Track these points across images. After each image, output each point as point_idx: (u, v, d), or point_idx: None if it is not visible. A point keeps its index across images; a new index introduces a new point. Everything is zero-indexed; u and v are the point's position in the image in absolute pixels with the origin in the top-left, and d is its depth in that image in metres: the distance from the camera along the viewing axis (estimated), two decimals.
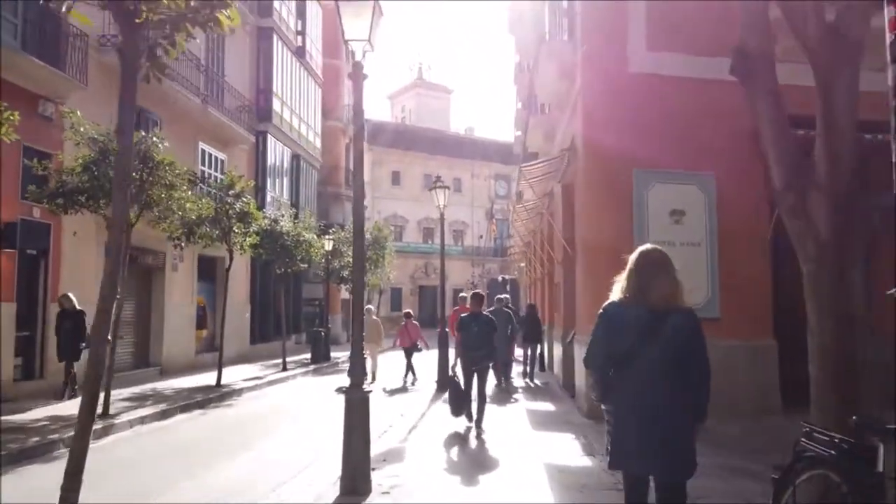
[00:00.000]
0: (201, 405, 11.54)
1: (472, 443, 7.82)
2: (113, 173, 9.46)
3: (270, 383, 15.05)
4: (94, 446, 8.06)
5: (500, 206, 53.00)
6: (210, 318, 19.29)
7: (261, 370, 17.25)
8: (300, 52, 25.05)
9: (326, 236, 21.93)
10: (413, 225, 51.72)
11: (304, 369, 18.04)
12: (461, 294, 13.46)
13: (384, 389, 13.97)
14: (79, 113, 9.78)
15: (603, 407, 3.35)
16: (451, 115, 70.85)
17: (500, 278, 41.53)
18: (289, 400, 12.93)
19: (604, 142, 9.38)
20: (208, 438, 8.90)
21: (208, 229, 13.15)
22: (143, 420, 9.80)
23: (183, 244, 13.43)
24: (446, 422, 9.05)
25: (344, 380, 17.68)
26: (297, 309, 26.60)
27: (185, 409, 11.04)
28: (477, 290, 9.59)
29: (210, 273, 19.10)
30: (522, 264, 34.74)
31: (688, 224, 9.18)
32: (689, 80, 9.25)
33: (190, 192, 11.38)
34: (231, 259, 14.22)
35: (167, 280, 16.26)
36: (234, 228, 13.48)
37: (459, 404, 8.43)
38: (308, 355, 20.65)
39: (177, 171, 10.18)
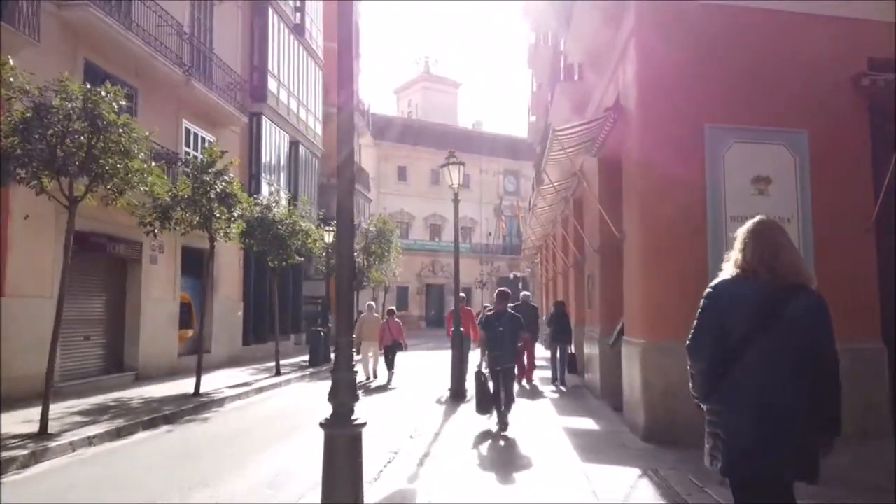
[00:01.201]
0: (170, 419, 9.65)
1: (508, 487, 5.85)
2: (51, 135, 7.71)
3: (260, 390, 13.15)
4: (8, 480, 6.33)
5: (510, 203, 51.59)
6: (197, 317, 17.37)
7: (251, 375, 15.36)
8: (299, 30, 23.17)
9: (327, 227, 20.05)
10: (420, 222, 50.17)
11: (300, 373, 16.15)
12: (461, 294, 12.78)
13: (383, 387, 12.15)
14: (11, 62, 7.90)
15: (704, 407, 2.77)
16: (458, 109, 69.02)
17: (511, 275, 39.64)
18: (278, 412, 11.02)
19: (665, 91, 7.44)
20: (164, 467, 7.00)
21: (183, 212, 11.28)
22: (90, 441, 7.90)
23: (157, 231, 11.59)
24: (466, 444, 7.15)
25: None
26: (297, 307, 24.71)
27: (150, 424, 9.16)
28: (503, 288, 9.08)
29: (197, 267, 17.18)
30: (537, 260, 32.82)
31: (775, 195, 7.22)
32: (778, 14, 7.30)
33: (154, 164, 9.49)
34: (212, 248, 12.33)
35: (144, 273, 14.39)
36: (215, 212, 11.60)
37: (486, 404, 8.21)
38: (308, 357, 18.77)
39: (133, 135, 8.26)
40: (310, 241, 15.87)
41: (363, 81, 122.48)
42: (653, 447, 6.85)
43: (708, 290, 2.75)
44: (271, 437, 8.61)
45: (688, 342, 2.77)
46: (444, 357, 12.08)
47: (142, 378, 13.92)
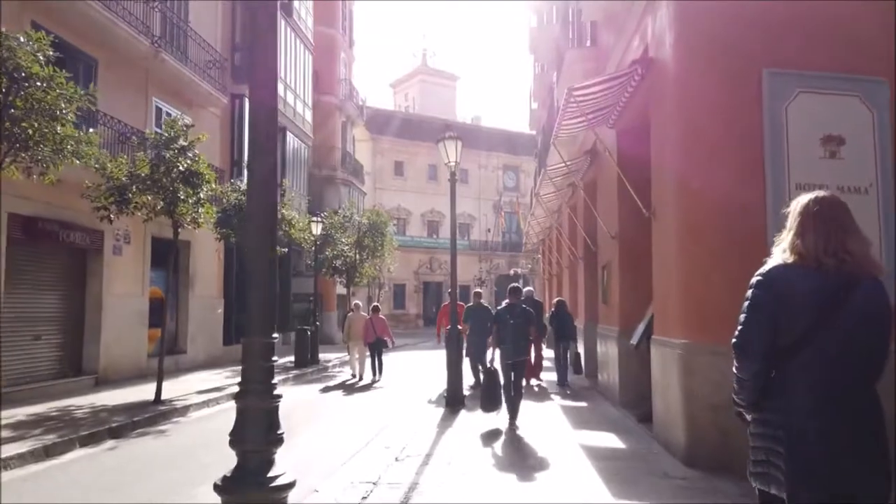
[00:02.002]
0: (117, 433, 8.21)
1: None
2: None
3: (233, 396, 11.69)
4: None
5: (509, 199, 50.38)
6: (171, 315, 15.91)
7: (227, 378, 13.91)
8: (286, 9, 21.70)
9: (314, 219, 18.63)
10: (417, 218, 48.90)
11: (282, 376, 14.70)
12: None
13: (369, 387, 10.78)
14: None
15: (750, 416, 2.35)
16: (456, 103, 67.76)
17: (511, 272, 38.26)
18: None
19: (711, 31, 6.00)
20: (88, 497, 5.57)
21: (142, 194, 9.85)
22: (6, 464, 6.47)
23: (112, 216, 10.17)
24: (465, 469, 5.74)
25: (333, 385, 14.38)
26: (286, 305, 23.28)
27: (90, 440, 7.73)
28: (514, 284, 8.90)
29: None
30: (538, 255, 31.41)
31: (849, 159, 5.79)
32: None
33: (92, 131, 8.06)
34: (176, 235, 10.89)
35: (106, 265, 12.92)
36: (179, 194, 10.16)
37: (493, 401, 8.02)
38: (294, 357, 17.34)
39: (58, 91, 6.82)
40: (293, 230, 14.42)
41: (358, 72, 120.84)
42: (701, 475, 5.43)
43: (757, 277, 2.33)
44: (231, 453, 7.15)
45: (735, 339, 2.35)
46: (441, 357, 10.70)
47: (102, 382, 12.48)
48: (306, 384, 14.34)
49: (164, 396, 10.35)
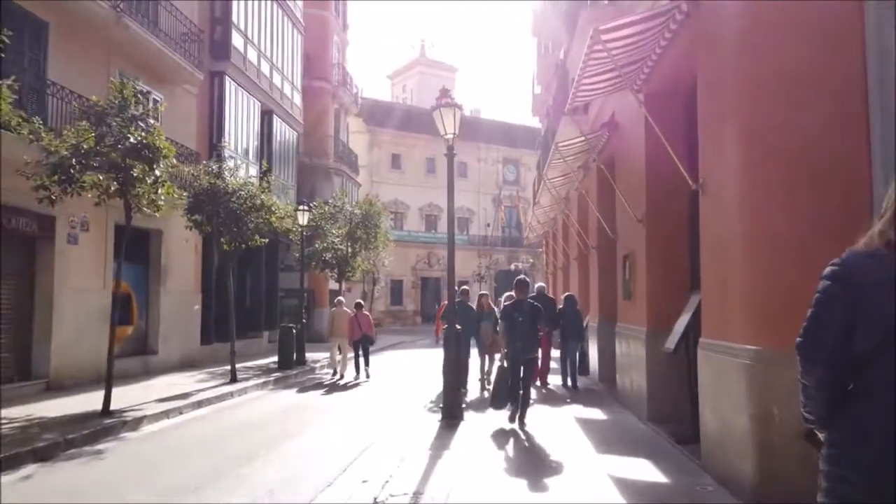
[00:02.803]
0: (45, 455, 6.77)
1: None
2: None
3: (199, 404, 10.26)
4: None
5: (509, 193, 49.12)
6: (139, 312, 14.47)
7: (199, 382, 12.49)
8: None
9: (301, 207, 17.18)
10: (415, 212, 47.57)
11: (262, 379, 13.29)
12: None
13: (353, 386, 9.37)
14: None
15: (822, 435, 1.95)
16: (455, 95, 66.16)
17: (511, 266, 36.88)
18: (203, 440, 8.12)
19: None
20: None
21: (84, 169, 8.40)
22: None
23: (54, 197, 8.70)
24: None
25: (316, 388, 12.95)
26: (273, 300, 21.81)
27: (8, 465, 6.28)
28: (521, 277, 8.52)
29: (141, 251, 14.34)
30: (540, 249, 29.98)
31: None
32: None
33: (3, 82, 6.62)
34: (129, 219, 9.43)
35: (59, 255, 11.46)
36: (133, 171, 8.70)
37: (502, 398, 7.94)
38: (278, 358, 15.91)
39: None
40: (273, 218, 12.96)
41: (355, 63, 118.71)
42: None
43: (832, 267, 1.88)
44: (174, 485, 5.72)
45: (799, 338, 1.94)
46: (437, 356, 9.30)
47: (55, 387, 11.04)
48: (286, 389, 12.90)
49: (118, 405, 8.94)
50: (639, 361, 8.16)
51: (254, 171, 18.63)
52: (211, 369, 14.64)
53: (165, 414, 9.30)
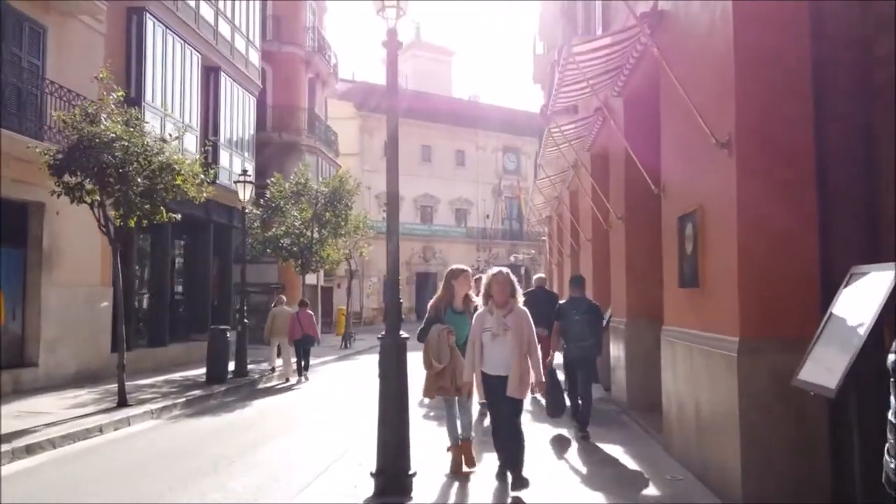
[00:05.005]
0: None
1: None
2: None
3: (26, 451, 6.75)
4: None
5: (509, 183, 45.91)
6: (15, 310, 10.96)
7: (74, 407, 9.04)
8: None
9: (244, 177, 13.71)
10: (409, 203, 44.27)
11: (171, 400, 9.82)
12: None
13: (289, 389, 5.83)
14: None
15: None
16: (452, 80, 62.65)
17: (511, 258, 33.49)
18: None
19: None
20: None
21: None
22: None
23: None
24: None
25: (241, 407, 9.42)
26: (225, 296, 18.31)
27: None
28: (577, 273, 8.36)
29: (16, 232, 10.86)
30: (543, 238, 26.50)
31: None
32: None
33: None
34: None
35: None
36: None
37: (560, 404, 7.23)
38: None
39: None
40: (179, 179, 9.43)
41: (345, 43, 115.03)
42: None
43: None
44: None
45: None
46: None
47: None
48: (199, 415, 9.38)
49: None
50: (717, 398, 4.64)
51: (193, 140, 15.14)
52: (112, 385, 11.12)
53: None
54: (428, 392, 5.26)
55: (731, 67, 4.37)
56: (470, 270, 5.84)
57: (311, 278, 24.54)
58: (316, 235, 17.54)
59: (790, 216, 4.27)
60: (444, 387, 5.12)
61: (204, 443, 7.49)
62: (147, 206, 9.23)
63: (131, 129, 9.06)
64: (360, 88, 40.84)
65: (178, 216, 10.44)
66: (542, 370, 4.87)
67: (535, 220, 22.14)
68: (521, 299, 4.94)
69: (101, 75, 9.07)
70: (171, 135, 9.90)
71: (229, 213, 17.53)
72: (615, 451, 6.32)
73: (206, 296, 17.34)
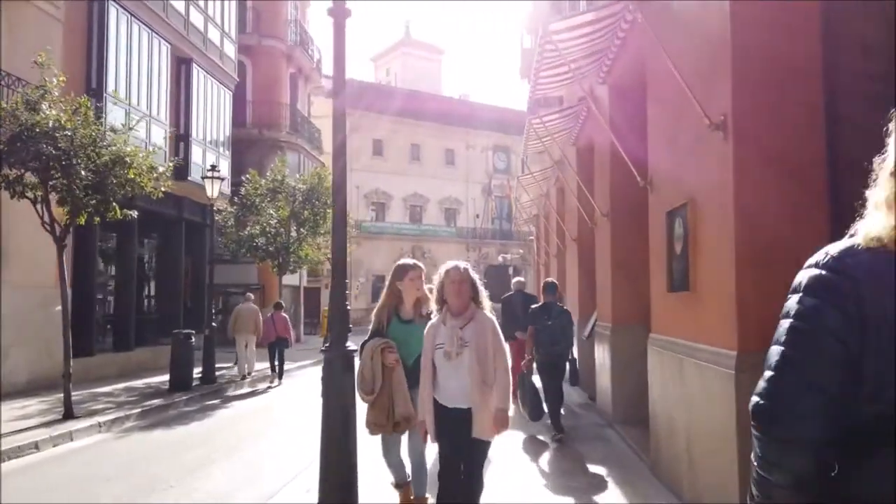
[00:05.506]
0: None
1: None
2: None
3: None
4: None
5: (499, 182, 45.33)
6: None
7: (15, 420, 8.31)
8: None
9: (212, 172, 13.01)
10: (398, 202, 43.73)
11: (126, 411, 9.13)
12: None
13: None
14: None
15: None
16: (442, 78, 62.13)
17: (500, 258, 32.86)
18: None
19: None
20: None
21: None
22: None
23: None
24: None
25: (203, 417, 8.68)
26: (199, 298, 17.58)
27: None
28: (550, 279, 8.25)
29: None
30: (531, 237, 25.87)
31: None
32: None
33: None
34: None
35: None
36: None
37: (539, 408, 7.24)
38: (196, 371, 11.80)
39: None
40: (132, 173, 8.72)
41: (321, 26, 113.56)
42: None
43: (812, 271, 1.21)
44: None
45: (759, 397, 1.18)
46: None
47: None
48: (154, 427, 8.68)
49: None
50: (712, 418, 4.00)
51: (161, 133, 14.43)
52: (57, 395, 10.37)
53: None
54: (368, 426, 4.13)
55: (726, 34, 3.73)
56: (422, 266, 4.47)
57: (293, 279, 23.86)
58: (294, 234, 16.86)
59: (796, 210, 3.64)
60: (376, 423, 4.03)
61: (147, 460, 6.80)
62: (94, 202, 8.53)
63: (78, 119, 8.35)
64: (348, 86, 39.97)
65: (135, 213, 9.73)
66: (509, 394, 3.58)
67: (522, 218, 21.50)
68: (486, 304, 3.83)
69: (39, 59, 8.32)
70: (123, 124, 9.19)
71: (202, 211, 16.82)
72: (597, 471, 5.69)
73: (178, 297, 16.61)
